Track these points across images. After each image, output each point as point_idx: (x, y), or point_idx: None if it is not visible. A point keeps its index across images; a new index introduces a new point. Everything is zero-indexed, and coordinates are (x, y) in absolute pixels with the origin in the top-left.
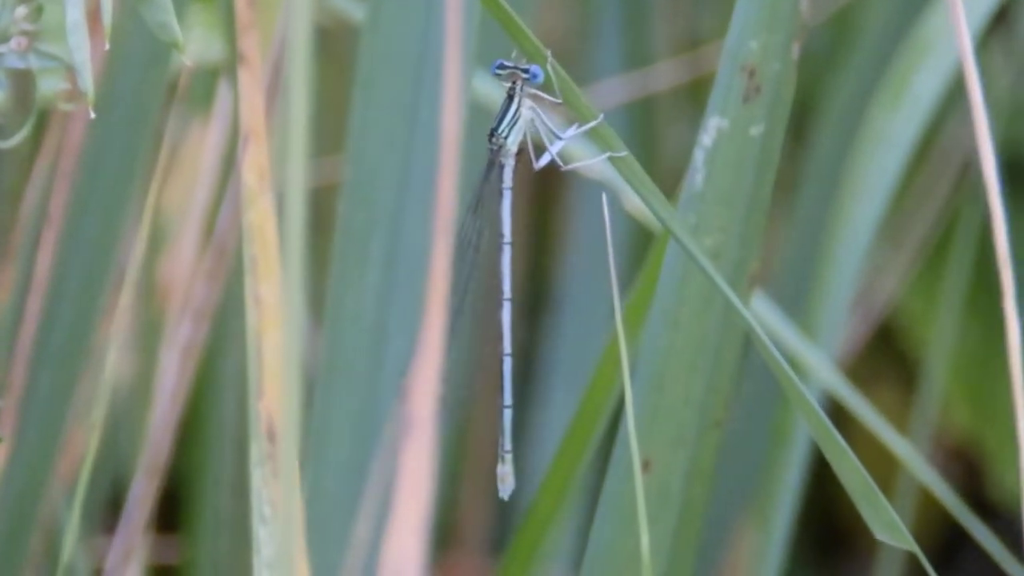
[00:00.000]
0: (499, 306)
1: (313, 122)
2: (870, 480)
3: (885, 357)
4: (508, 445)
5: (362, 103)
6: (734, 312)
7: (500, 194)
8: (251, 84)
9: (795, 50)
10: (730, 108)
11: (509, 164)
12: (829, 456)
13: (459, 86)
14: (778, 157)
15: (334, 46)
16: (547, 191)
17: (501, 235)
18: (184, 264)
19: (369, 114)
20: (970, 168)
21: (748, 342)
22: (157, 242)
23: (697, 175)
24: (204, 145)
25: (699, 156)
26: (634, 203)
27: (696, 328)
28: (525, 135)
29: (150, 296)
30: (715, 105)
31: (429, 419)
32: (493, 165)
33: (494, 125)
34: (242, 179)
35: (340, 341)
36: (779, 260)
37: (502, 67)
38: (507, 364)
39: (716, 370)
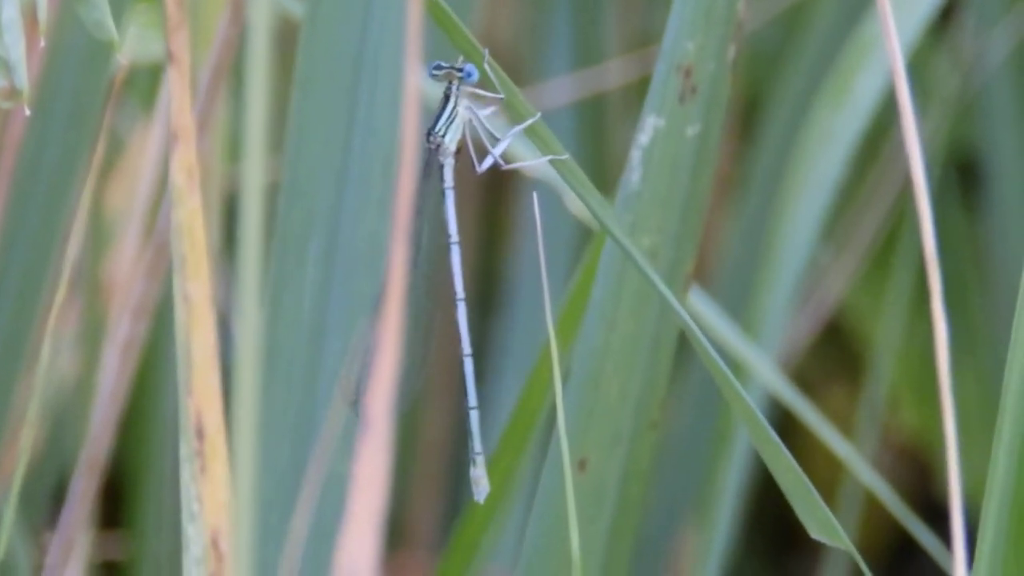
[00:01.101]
0: (454, 306)
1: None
2: (805, 479)
3: (834, 356)
4: (479, 447)
5: (301, 101)
6: (670, 312)
7: (443, 194)
8: (180, 83)
9: (731, 51)
10: (666, 108)
11: (449, 163)
12: (764, 455)
13: (418, 85)
14: (715, 157)
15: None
16: (495, 190)
17: (448, 235)
18: (127, 262)
19: (307, 112)
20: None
21: (689, 342)
22: (101, 240)
23: (634, 174)
24: (147, 143)
25: (636, 155)
26: (576, 203)
27: (632, 328)
28: (464, 135)
29: (94, 294)
30: (652, 104)
31: (385, 420)
32: (431, 165)
33: (431, 125)
34: (171, 179)
35: (278, 339)
36: (725, 258)
37: (438, 68)
38: (468, 365)
39: (652, 370)
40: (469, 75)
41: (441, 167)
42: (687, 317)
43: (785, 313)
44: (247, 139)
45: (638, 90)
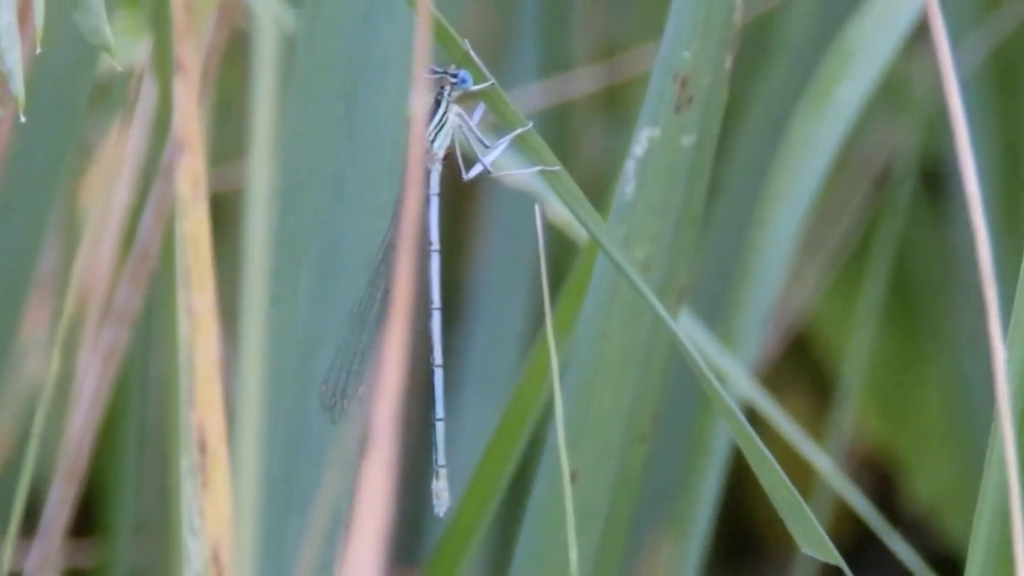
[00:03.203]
0: (428, 315)
1: (216, 127)
2: (796, 494)
3: (799, 366)
4: (442, 460)
5: (296, 110)
6: (663, 325)
7: (427, 200)
8: (187, 92)
9: (728, 61)
10: (662, 118)
11: (436, 170)
12: (757, 471)
13: (423, 95)
14: (710, 167)
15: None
16: (461, 198)
17: (429, 242)
18: (103, 267)
19: (304, 119)
20: (888, 177)
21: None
22: (74, 244)
23: (628, 185)
24: (122, 147)
25: (630, 166)
26: (557, 213)
27: (625, 340)
28: (452, 141)
29: (66, 296)
30: (647, 115)
31: (390, 434)
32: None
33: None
34: (176, 188)
35: (272, 349)
36: (698, 269)
37: (431, 72)
38: (439, 376)
39: (644, 383)
40: (463, 81)
41: (428, 173)
42: (679, 332)
43: (760, 324)
44: (253, 149)
45: (604, 99)
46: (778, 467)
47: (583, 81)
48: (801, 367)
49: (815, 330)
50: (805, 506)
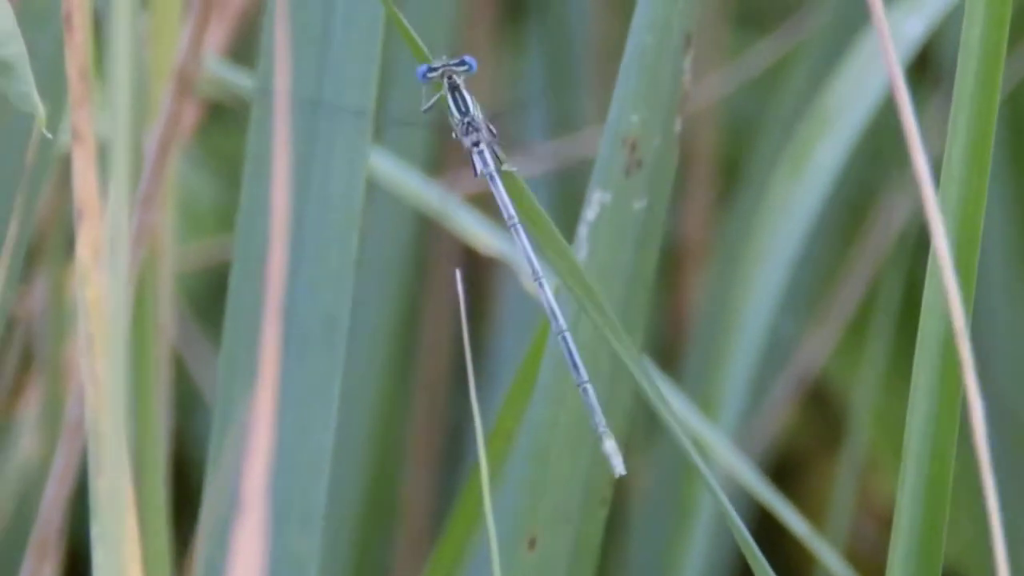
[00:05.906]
0: (539, 286)
1: (217, 197)
2: (758, 552)
3: (823, 427)
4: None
5: (252, 176)
6: (619, 386)
7: (491, 179)
8: (84, 160)
9: (677, 123)
10: (612, 182)
11: (484, 141)
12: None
13: (287, 148)
14: (661, 230)
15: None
16: (478, 265)
17: (511, 216)
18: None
19: (259, 188)
20: (902, 233)
21: (655, 417)
22: (62, 323)
23: (580, 250)
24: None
25: (583, 231)
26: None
27: (580, 402)
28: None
29: (55, 378)
30: (598, 178)
31: (262, 498)
32: (480, 151)
33: (462, 111)
34: (77, 256)
35: (231, 419)
36: (698, 327)
37: (432, 70)
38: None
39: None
40: (471, 67)
41: (482, 152)
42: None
43: (746, 385)
44: (114, 228)
45: None
46: (751, 539)
47: (592, 141)
48: (828, 428)
49: (830, 387)
50: (767, 565)
